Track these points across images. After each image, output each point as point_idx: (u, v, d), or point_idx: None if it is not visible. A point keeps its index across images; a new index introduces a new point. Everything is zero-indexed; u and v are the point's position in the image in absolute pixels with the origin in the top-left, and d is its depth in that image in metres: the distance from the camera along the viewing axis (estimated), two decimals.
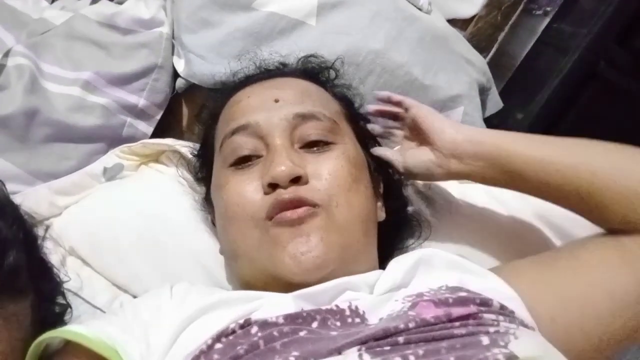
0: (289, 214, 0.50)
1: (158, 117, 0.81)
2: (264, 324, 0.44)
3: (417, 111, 0.62)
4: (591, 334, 0.50)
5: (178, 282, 0.56)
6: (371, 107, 0.68)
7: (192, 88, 0.81)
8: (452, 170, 0.59)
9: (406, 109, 0.64)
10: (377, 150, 0.65)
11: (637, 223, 0.52)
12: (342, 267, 0.50)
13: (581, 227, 0.64)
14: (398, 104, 0.65)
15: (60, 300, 0.55)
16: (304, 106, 0.57)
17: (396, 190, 0.66)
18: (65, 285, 0.56)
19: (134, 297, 0.65)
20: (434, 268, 0.52)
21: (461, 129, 0.59)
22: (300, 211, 0.50)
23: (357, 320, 0.46)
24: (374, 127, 0.69)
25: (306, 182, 0.52)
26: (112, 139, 0.76)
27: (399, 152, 0.64)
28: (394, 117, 0.67)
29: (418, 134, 0.63)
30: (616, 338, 0.50)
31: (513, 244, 0.68)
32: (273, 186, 0.52)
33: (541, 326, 0.49)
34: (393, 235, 0.65)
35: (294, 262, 0.49)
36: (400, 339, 0.41)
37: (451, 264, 0.53)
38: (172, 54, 0.82)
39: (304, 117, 0.56)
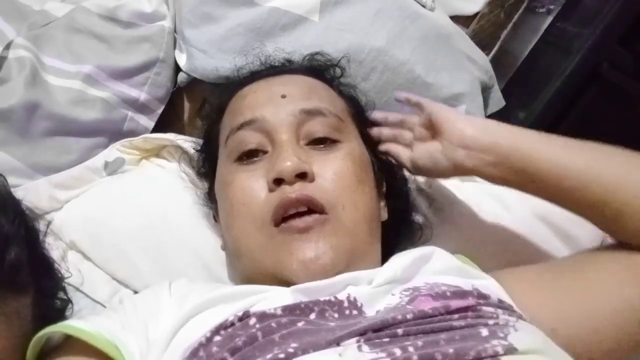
0: (297, 222, 0.50)
1: (159, 111, 0.81)
2: (262, 316, 0.44)
3: (431, 106, 0.60)
4: (593, 348, 0.49)
5: (176, 279, 0.56)
6: (378, 115, 0.67)
7: (194, 82, 0.81)
8: (458, 161, 0.55)
9: (422, 110, 0.62)
10: (385, 146, 0.65)
11: None
12: (346, 268, 0.50)
13: (582, 228, 0.65)
14: (416, 105, 0.63)
15: (61, 295, 0.55)
16: (311, 102, 0.57)
17: (399, 190, 0.66)
18: (66, 281, 0.56)
19: (134, 292, 0.65)
20: (433, 267, 0.52)
21: (474, 120, 0.57)
22: (309, 220, 0.50)
23: (355, 312, 0.46)
24: (382, 130, 0.66)
25: (312, 180, 0.52)
26: (113, 133, 0.76)
27: (407, 147, 0.63)
28: (400, 124, 0.65)
29: (431, 132, 0.60)
30: (620, 353, 0.50)
31: (513, 244, 0.68)
32: (278, 182, 0.52)
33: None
34: (395, 234, 0.65)
35: (302, 267, 0.49)
36: (399, 331, 0.41)
37: (448, 266, 0.53)
38: (174, 48, 0.82)
39: (310, 113, 0.56)
